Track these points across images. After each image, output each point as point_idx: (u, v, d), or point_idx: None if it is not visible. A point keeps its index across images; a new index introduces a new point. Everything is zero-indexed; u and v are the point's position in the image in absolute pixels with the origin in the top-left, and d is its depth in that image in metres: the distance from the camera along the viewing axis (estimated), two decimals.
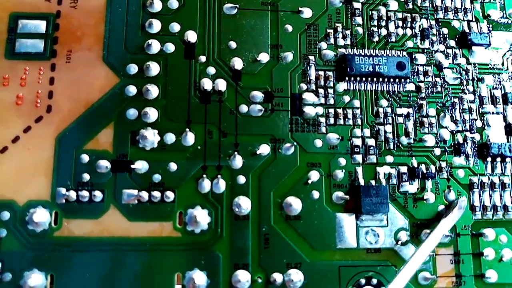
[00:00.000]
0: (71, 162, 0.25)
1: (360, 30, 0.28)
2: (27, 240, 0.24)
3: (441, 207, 0.27)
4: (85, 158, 0.25)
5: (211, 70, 0.27)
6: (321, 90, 0.27)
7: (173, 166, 0.25)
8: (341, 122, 0.27)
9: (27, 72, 0.26)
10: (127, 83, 0.26)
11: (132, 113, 0.26)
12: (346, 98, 0.27)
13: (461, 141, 0.28)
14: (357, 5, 0.29)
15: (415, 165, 0.27)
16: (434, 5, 0.29)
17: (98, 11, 0.27)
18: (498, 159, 0.27)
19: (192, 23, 0.27)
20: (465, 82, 0.28)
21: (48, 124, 0.25)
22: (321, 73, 0.28)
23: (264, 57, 0.27)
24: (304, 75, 0.27)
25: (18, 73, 0.26)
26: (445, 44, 0.29)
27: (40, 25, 0.26)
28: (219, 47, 0.27)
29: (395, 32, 0.29)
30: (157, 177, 0.25)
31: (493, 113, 0.28)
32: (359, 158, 0.27)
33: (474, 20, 0.30)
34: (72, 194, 0.25)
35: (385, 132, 0.27)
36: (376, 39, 0.28)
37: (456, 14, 0.30)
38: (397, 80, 0.28)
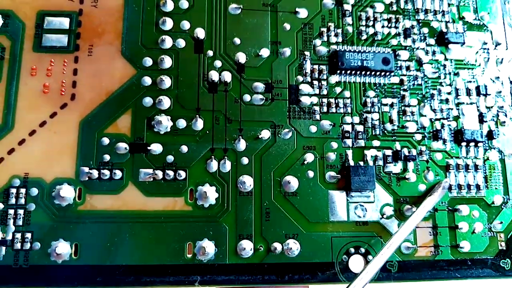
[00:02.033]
0: (93, 144, 0.27)
1: (350, 29, 0.31)
2: (53, 213, 0.27)
3: (421, 185, 0.30)
4: (106, 140, 0.28)
5: (218, 63, 0.29)
6: (315, 82, 0.30)
7: (184, 148, 0.28)
8: (333, 110, 0.30)
9: (52, 63, 0.28)
10: (143, 74, 0.29)
11: (147, 101, 0.28)
12: (338, 89, 0.30)
13: (439, 128, 0.30)
14: (347, 7, 0.32)
15: (399, 148, 0.30)
16: (416, 8, 0.32)
17: (117, 10, 0.29)
18: (472, 143, 0.30)
19: (200, 21, 0.30)
20: (442, 76, 0.31)
21: (72, 110, 0.28)
22: (316, 67, 0.30)
23: (265, 52, 0.30)
24: (301, 69, 0.30)
25: (44, 64, 0.28)
26: (425, 42, 0.32)
27: (64, 22, 0.29)
28: (225, 43, 0.30)
29: (381, 31, 0.32)
30: (170, 158, 0.28)
31: (467, 103, 0.31)
32: (349, 142, 0.29)
33: (450, 21, 0.33)
34: (95, 173, 0.27)
35: (372, 119, 0.30)
36: (364, 37, 0.31)
37: (435, 16, 0.32)
38: (382, 73, 0.30)
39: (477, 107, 0.31)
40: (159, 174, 0.28)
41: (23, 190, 0.27)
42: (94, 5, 0.29)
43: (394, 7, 0.32)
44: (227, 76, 0.29)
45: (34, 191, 0.27)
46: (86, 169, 0.27)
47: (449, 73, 0.32)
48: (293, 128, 0.29)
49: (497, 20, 0.33)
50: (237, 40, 0.30)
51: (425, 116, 0.31)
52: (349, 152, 0.29)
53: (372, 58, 0.30)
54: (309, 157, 0.29)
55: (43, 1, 0.29)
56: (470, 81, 0.32)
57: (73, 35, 0.29)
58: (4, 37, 0.28)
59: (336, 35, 0.31)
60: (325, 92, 0.30)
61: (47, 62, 0.28)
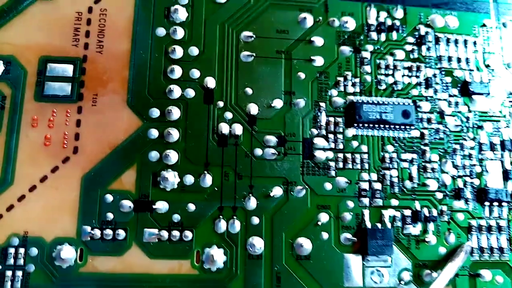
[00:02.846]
0: (96, 202, 0.26)
1: (368, 78, 0.30)
2: (54, 275, 0.25)
3: (442, 248, 0.28)
4: (109, 198, 0.26)
5: (229, 115, 0.28)
6: (331, 135, 0.28)
7: (191, 207, 0.27)
8: (350, 166, 0.28)
9: (55, 114, 0.27)
10: (149, 126, 0.27)
11: (154, 155, 0.27)
12: (355, 144, 0.29)
13: (461, 185, 0.29)
14: (365, 54, 0.30)
15: (418, 208, 0.28)
16: (438, 55, 0.31)
17: (123, 56, 0.28)
18: (496, 203, 0.29)
19: (211, 69, 0.28)
20: (465, 129, 0.30)
21: (75, 164, 0.26)
22: (331, 119, 0.29)
23: (278, 103, 0.28)
24: (315, 121, 0.29)
25: (46, 115, 0.27)
26: (447, 92, 0.30)
27: (68, 69, 0.28)
28: (236, 93, 0.28)
29: (401, 81, 0.30)
30: (176, 217, 0.26)
31: (491, 159, 0.30)
32: (366, 201, 0.28)
33: (475, 69, 0.31)
34: (97, 232, 0.26)
35: (391, 176, 0.28)
36: (383, 87, 0.30)
37: (458, 63, 0.31)
38: (402, 127, 0.29)
39: (502, 162, 0.30)
40: (165, 234, 0.26)
41: (22, 250, 0.25)
42: (99, 51, 0.28)
43: (415, 54, 0.31)
44: (237, 129, 0.28)
45: (34, 251, 0.25)
46: (88, 229, 0.26)
47: (473, 126, 0.30)
48: (306, 185, 0.28)
49: None
50: (249, 90, 0.28)
51: (447, 173, 0.29)
52: (366, 212, 0.28)
53: (391, 110, 0.29)
54: (323, 217, 0.27)
55: (46, 46, 0.28)
56: (495, 135, 0.30)
57: (77, 83, 0.27)
58: (4, 85, 0.27)
59: (353, 84, 0.29)
60: (341, 146, 0.28)
61: (49, 112, 0.27)
